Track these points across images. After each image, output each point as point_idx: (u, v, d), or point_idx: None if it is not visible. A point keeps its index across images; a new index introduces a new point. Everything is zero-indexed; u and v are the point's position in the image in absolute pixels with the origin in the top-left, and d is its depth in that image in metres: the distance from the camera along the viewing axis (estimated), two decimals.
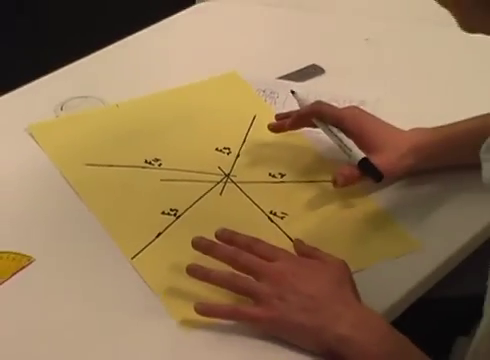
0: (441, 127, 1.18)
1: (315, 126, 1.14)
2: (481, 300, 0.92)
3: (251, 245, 0.96)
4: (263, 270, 0.93)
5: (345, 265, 0.94)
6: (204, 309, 0.91)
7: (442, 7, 0.79)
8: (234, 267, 0.93)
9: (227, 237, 0.96)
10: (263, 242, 0.96)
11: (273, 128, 1.19)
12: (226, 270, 0.92)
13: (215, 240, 0.95)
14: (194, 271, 0.93)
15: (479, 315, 0.92)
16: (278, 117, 1.20)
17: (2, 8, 2.96)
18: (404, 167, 1.15)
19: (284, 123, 1.19)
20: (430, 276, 1.03)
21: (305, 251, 0.96)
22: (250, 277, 0.92)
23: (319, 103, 1.16)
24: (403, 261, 1.03)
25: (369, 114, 1.17)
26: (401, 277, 1.01)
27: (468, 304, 1.03)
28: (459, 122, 1.19)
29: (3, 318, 0.95)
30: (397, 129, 1.17)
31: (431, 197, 1.16)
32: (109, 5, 3.14)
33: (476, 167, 0.94)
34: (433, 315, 1.17)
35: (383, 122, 1.17)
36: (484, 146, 0.85)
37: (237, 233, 0.96)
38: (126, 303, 0.95)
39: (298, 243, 0.97)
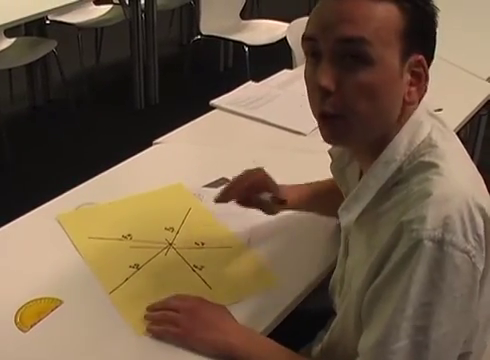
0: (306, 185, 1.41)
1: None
2: (328, 309, 1.22)
3: (172, 298, 1.19)
4: (179, 307, 1.16)
5: (223, 306, 1.18)
6: (150, 330, 1.15)
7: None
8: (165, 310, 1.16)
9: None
10: (177, 297, 1.19)
11: (219, 200, 1.33)
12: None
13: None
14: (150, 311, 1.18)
15: (329, 318, 1.20)
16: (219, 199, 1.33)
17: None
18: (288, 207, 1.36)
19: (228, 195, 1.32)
20: (289, 306, 1.25)
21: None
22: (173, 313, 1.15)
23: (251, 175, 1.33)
24: (268, 295, 1.25)
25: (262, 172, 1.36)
26: (267, 308, 1.23)
27: (323, 312, 1.28)
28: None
29: (48, 340, 1.14)
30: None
31: (288, 250, 1.39)
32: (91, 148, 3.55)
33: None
34: (301, 320, 1.27)
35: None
36: (340, 207, 1.07)
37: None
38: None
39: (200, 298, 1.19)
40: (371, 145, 1.01)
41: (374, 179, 1.00)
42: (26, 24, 3.81)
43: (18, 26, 3.66)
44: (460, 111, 2.01)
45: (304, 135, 1.88)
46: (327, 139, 1.02)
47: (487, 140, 2.65)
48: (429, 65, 0.99)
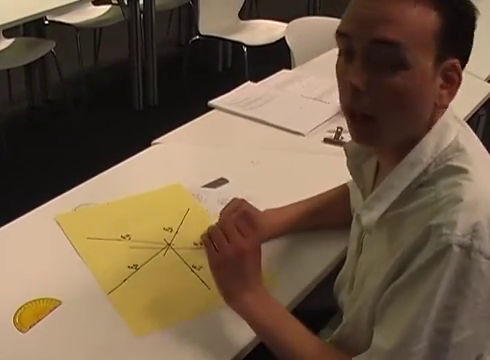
0: (286, 207, 1.38)
1: None
2: (329, 309, 1.21)
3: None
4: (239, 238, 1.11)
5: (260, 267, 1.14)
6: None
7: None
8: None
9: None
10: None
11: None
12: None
13: None
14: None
15: (330, 316, 1.21)
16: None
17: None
18: (271, 236, 1.36)
19: None
20: (290, 304, 1.24)
21: None
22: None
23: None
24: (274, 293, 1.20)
25: (248, 205, 1.35)
26: None
27: (324, 310, 1.29)
28: (300, 203, 1.39)
29: (47, 340, 1.15)
30: (262, 212, 1.37)
31: (288, 250, 1.39)
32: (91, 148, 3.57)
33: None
34: (302, 319, 1.18)
35: (255, 209, 1.36)
36: (361, 206, 1.05)
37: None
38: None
39: None
40: (397, 146, 1.00)
41: (399, 179, 0.99)
42: (24, 24, 3.83)
43: (16, 26, 3.65)
44: (459, 111, 1.98)
45: (302, 135, 1.89)
46: (356, 139, 1.02)
47: (486, 140, 2.65)
48: (463, 67, 0.98)
